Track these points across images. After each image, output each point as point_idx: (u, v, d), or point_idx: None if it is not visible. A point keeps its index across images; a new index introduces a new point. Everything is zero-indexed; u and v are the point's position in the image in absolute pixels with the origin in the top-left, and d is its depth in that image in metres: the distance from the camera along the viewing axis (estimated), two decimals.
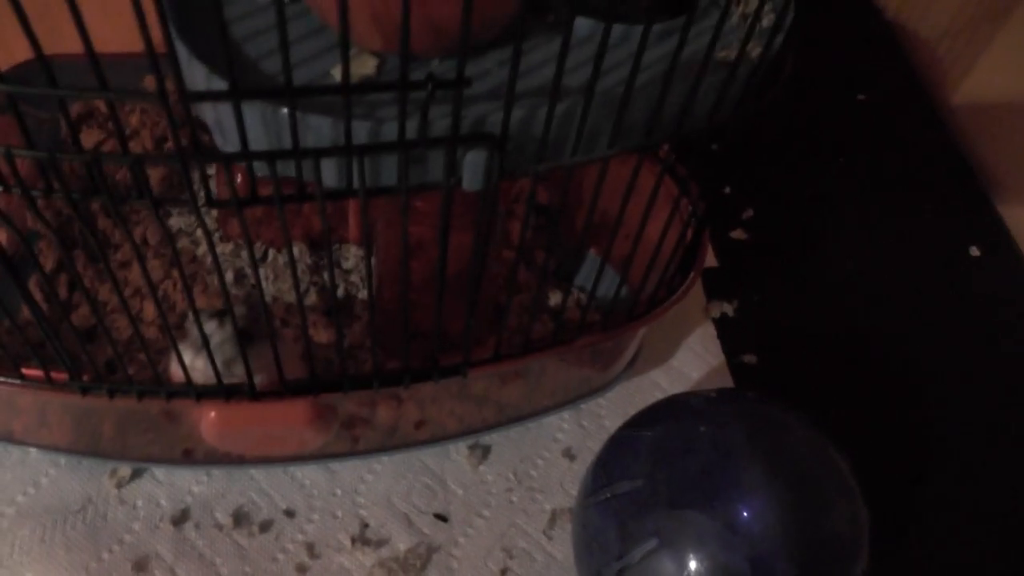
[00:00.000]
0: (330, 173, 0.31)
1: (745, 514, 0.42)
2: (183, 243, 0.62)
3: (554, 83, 0.29)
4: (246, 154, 0.29)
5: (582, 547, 0.46)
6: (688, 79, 0.33)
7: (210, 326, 0.40)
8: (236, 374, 0.40)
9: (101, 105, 0.66)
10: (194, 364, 0.40)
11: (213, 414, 0.40)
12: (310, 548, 0.52)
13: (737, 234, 0.67)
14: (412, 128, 0.30)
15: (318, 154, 0.29)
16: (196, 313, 0.37)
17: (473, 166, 0.30)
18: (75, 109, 0.65)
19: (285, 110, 0.31)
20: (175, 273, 0.59)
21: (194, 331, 0.40)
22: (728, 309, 0.63)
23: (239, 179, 0.53)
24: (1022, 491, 0.56)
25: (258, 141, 0.32)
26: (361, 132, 0.30)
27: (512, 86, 0.28)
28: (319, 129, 0.30)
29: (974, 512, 0.55)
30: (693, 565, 0.42)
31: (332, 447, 0.53)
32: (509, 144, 0.30)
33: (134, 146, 0.63)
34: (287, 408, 0.39)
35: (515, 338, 0.48)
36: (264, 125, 0.31)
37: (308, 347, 0.38)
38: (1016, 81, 0.71)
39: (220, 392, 0.40)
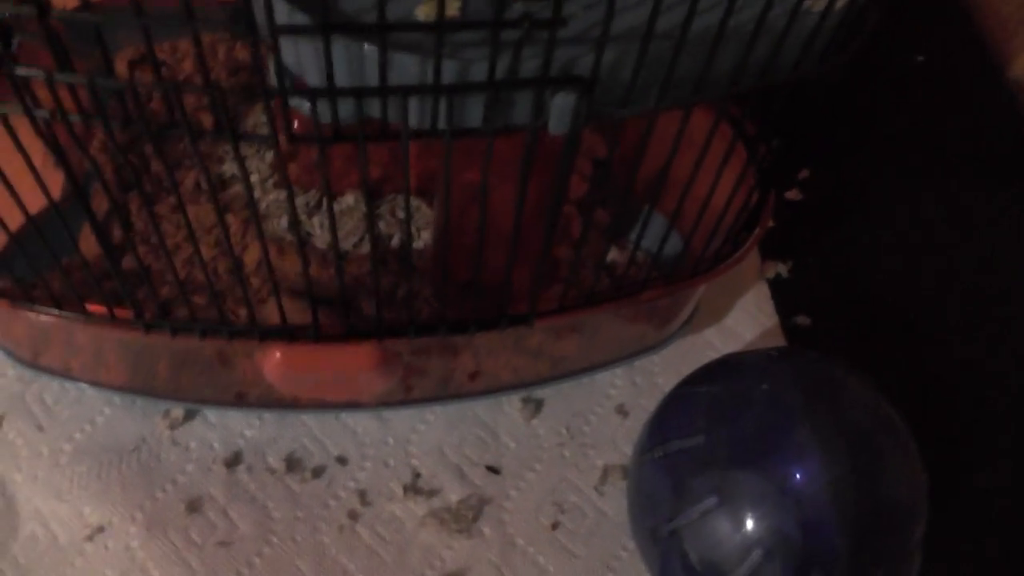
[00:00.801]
0: (413, 114, 0.31)
1: (798, 476, 0.42)
2: (236, 188, 0.61)
3: (649, 23, 0.28)
4: (332, 90, 0.28)
5: (636, 505, 0.46)
6: (776, 27, 0.32)
7: None
8: None
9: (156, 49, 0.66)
10: None
11: (278, 355, 0.40)
12: (362, 495, 0.52)
13: (792, 194, 0.66)
14: (498, 70, 0.29)
15: (406, 92, 0.28)
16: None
17: (561, 109, 0.29)
18: (128, 53, 0.64)
19: (369, 46, 0.30)
20: (229, 218, 0.59)
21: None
22: (783, 270, 0.62)
23: (295, 124, 0.53)
24: None
25: (340, 80, 0.31)
26: (447, 72, 0.30)
27: (608, 25, 0.27)
28: (404, 68, 0.30)
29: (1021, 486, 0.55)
30: (750, 525, 0.42)
31: (385, 395, 0.53)
32: (596, 87, 0.30)
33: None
34: (354, 351, 0.39)
35: (572, 291, 0.47)
36: (348, 63, 0.31)
37: (377, 288, 0.38)
38: None
39: (284, 332, 0.40)
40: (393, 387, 0.52)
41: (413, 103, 0.31)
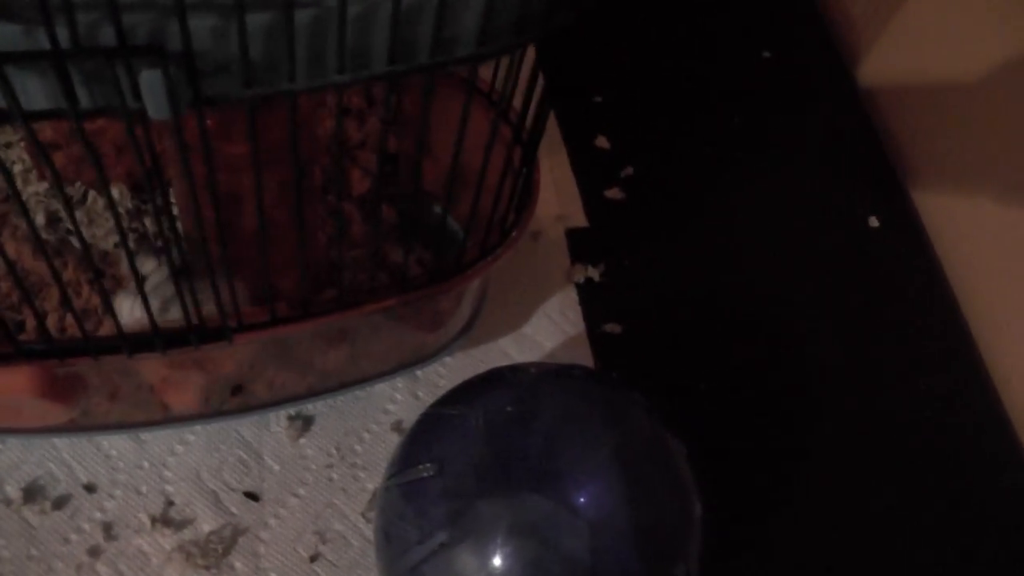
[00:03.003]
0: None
1: (573, 501, 0.38)
2: None
3: None
4: None
5: (380, 534, 0.41)
6: None
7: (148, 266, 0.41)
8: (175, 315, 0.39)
9: None
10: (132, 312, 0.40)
11: None
12: (107, 528, 0.47)
13: (612, 193, 0.61)
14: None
15: None
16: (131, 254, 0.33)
17: (151, 87, 0.25)
18: None
19: None
20: None
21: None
22: (594, 274, 0.57)
23: None
24: (897, 482, 0.52)
25: None
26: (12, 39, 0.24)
27: None
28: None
29: (837, 504, 0.51)
30: (494, 559, 0.37)
31: (137, 415, 0.48)
32: (205, 62, 0.25)
33: None
34: (8, 375, 0.34)
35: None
36: None
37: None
38: (930, 47, 0.66)
39: None
40: (148, 405, 0.47)
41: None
